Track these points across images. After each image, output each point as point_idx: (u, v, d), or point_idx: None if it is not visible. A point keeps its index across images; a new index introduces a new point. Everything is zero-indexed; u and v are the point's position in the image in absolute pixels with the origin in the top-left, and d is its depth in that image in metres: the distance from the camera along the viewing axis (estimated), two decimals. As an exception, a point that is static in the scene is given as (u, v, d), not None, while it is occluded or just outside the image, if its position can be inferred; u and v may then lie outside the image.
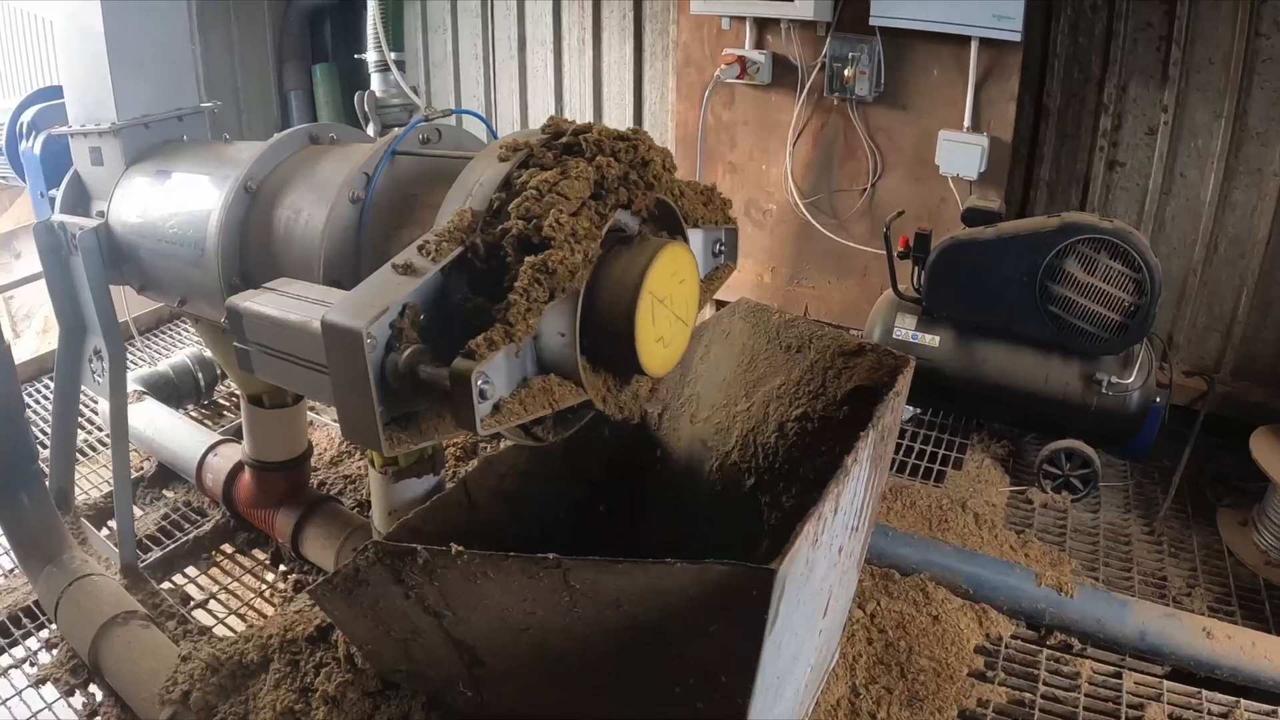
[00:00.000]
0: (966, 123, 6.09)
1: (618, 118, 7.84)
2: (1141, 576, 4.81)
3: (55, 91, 5.42)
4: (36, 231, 4.36)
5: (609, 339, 2.57)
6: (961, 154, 6.06)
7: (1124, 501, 5.50)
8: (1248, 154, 5.72)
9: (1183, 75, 5.76)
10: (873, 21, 6.11)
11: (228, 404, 6.59)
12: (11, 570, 4.84)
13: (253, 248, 3.59)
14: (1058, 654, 4.14)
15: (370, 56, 6.12)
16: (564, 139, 2.77)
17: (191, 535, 5.06)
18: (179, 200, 3.92)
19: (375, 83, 6.07)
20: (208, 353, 6.40)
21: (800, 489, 3.41)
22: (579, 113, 8.06)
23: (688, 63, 7.07)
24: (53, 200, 4.87)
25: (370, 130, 6.05)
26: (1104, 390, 5.21)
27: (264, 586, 4.85)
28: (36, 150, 4.96)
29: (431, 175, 3.33)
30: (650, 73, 7.66)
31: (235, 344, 2.87)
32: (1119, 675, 3.99)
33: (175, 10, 4.60)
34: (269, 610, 4.60)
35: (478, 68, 8.66)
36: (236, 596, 4.79)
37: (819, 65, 6.51)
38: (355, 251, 3.27)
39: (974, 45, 5.91)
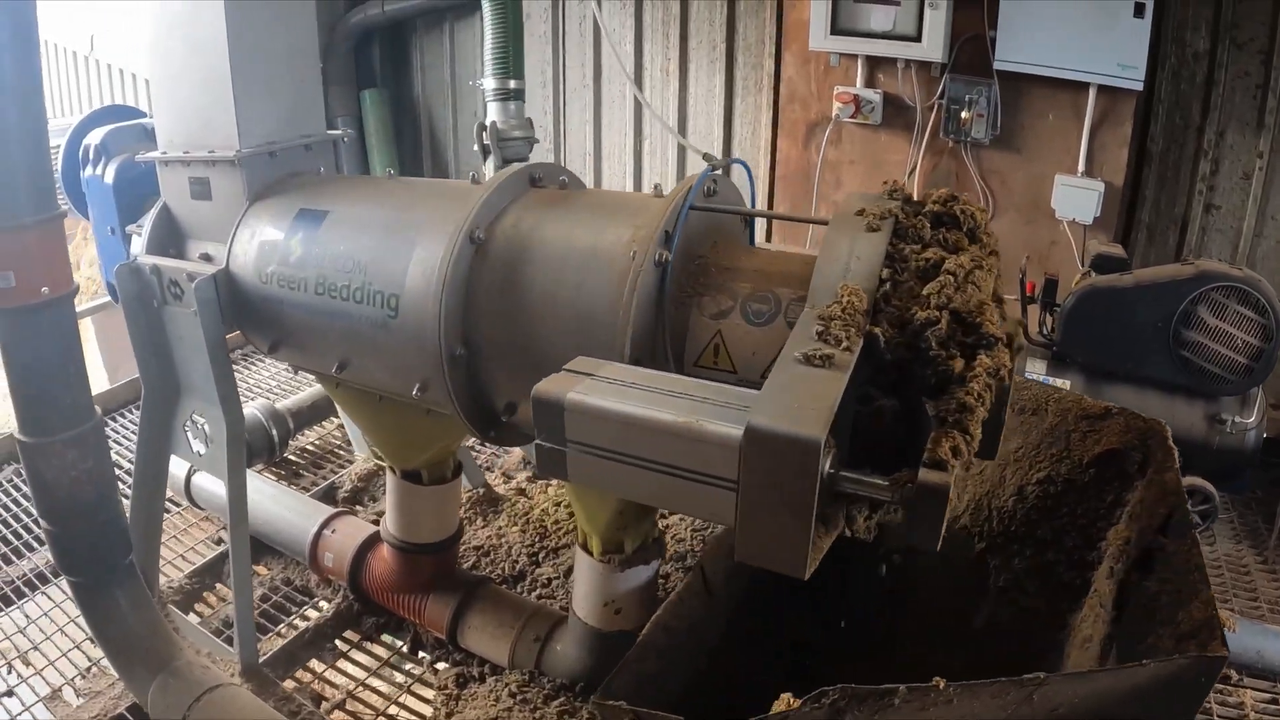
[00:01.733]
0: (1081, 167, 5.87)
1: (706, 149, 7.24)
2: (1269, 605, 4.69)
3: (124, 111, 4.58)
4: (118, 275, 3.64)
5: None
6: (1078, 198, 5.87)
7: (1232, 533, 5.37)
8: None
9: (1277, 123, 5.67)
10: (997, 65, 5.85)
11: (300, 461, 5.74)
12: (89, 669, 4.00)
13: (485, 312, 2.95)
14: (1219, 685, 4.00)
15: (488, 84, 5.39)
16: (931, 207, 2.54)
17: (312, 624, 4.27)
18: (352, 248, 3.22)
19: (494, 112, 5.36)
20: (280, 404, 5.59)
21: (1034, 550, 3.36)
22: (660, 148, 7.55)
23: (792, 99, 6.66)
24: (127, 237, 4.09)
25: (489, 166, 5.35)
26: (1227, 430, 5.07)
27: (409, 680, 4.08)
28: (108, 179, 4.11)
29: (711, 233, 2.91)
30: (742, 107, 7.16)
31: (540, 443, 2.31)
32: (1276, 702, 3.96)
33: (304, 15, 3.83)
34: (425, 710, 3.86)
35: (544, 97, 8.06)
36: (379, 694, 4.00)
37: (932, 106, 6.21)
38: (655, 324, 2.72)
39: (1092, 91, 5.73)
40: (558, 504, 4.92)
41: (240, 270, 3.50)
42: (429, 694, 3.91)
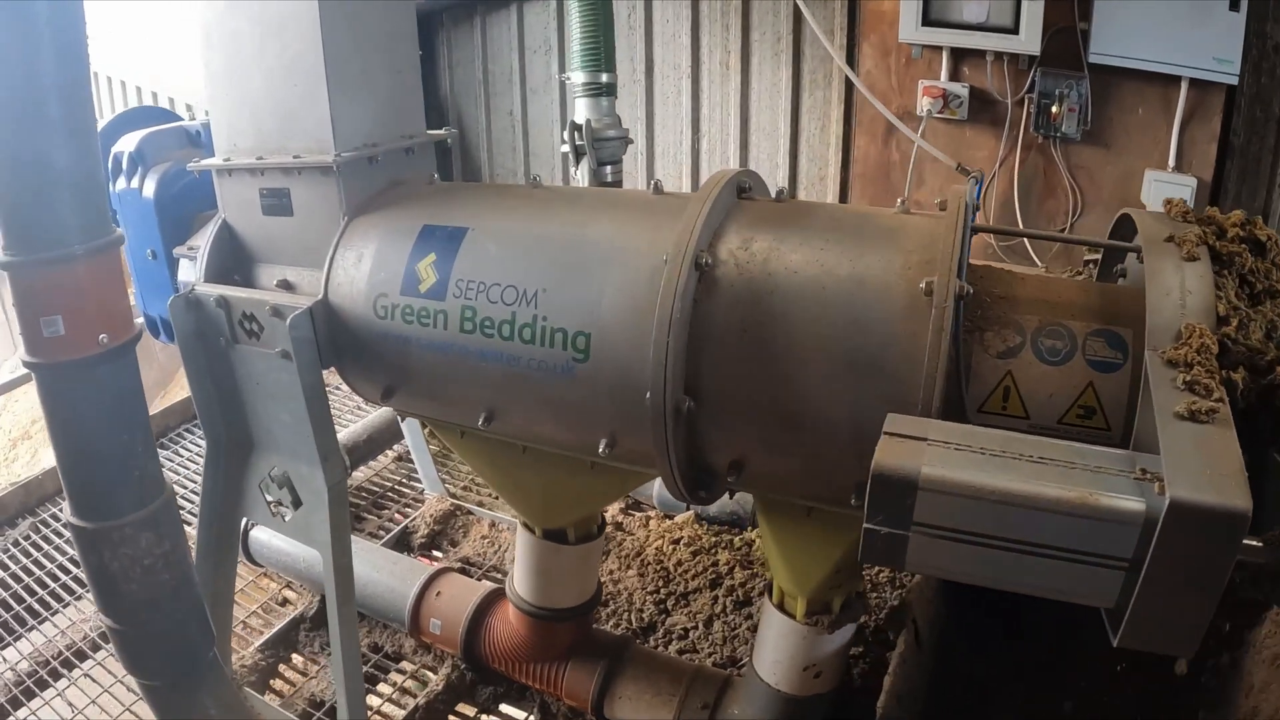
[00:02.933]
0: (1171, 163, 5.64)
1: (768, 150, 6.89)
2: None
3: (154, 114, 3.94)
4: (173, 308, 3.09)
5: None
6: (1171, 194, 5.50)
7: None
8: None
9: None
10: (1091, 58, 5.57)
11: (360, 501, 5.22)
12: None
13: (719, 356, 2.42)
14: None
15: (578, 78, 4.84)
16: (1234, 231, 2.32)
17: (421, 700, 3.78)
18: (514, 275, 2.66)
19: (585, 109, 4.80)
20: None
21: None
22: (720, 145, 7.07)
23: (871, 92, 6.27)
24: (173, 262, 3.53)
25: (583, 170, 4.79)
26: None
27: None
28: (148, 192, 3.47)
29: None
30: (809, 101, 6.73)
31: (873, 527, 1.92)
32: None
33: (403, -3, 3.28)
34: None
35: (549, 94, 7.61)
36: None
37: (1021, 100, 5.92)
38: (952, 368, 2.25)
39: (1184, 85, 5.50)
40: (674, 541, 4.51)
41: (344, 301, 2.92)
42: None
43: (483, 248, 2.75)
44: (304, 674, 4.06)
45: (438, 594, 3.90)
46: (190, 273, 3.39)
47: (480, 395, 2.79)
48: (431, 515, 4.91)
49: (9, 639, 4.30)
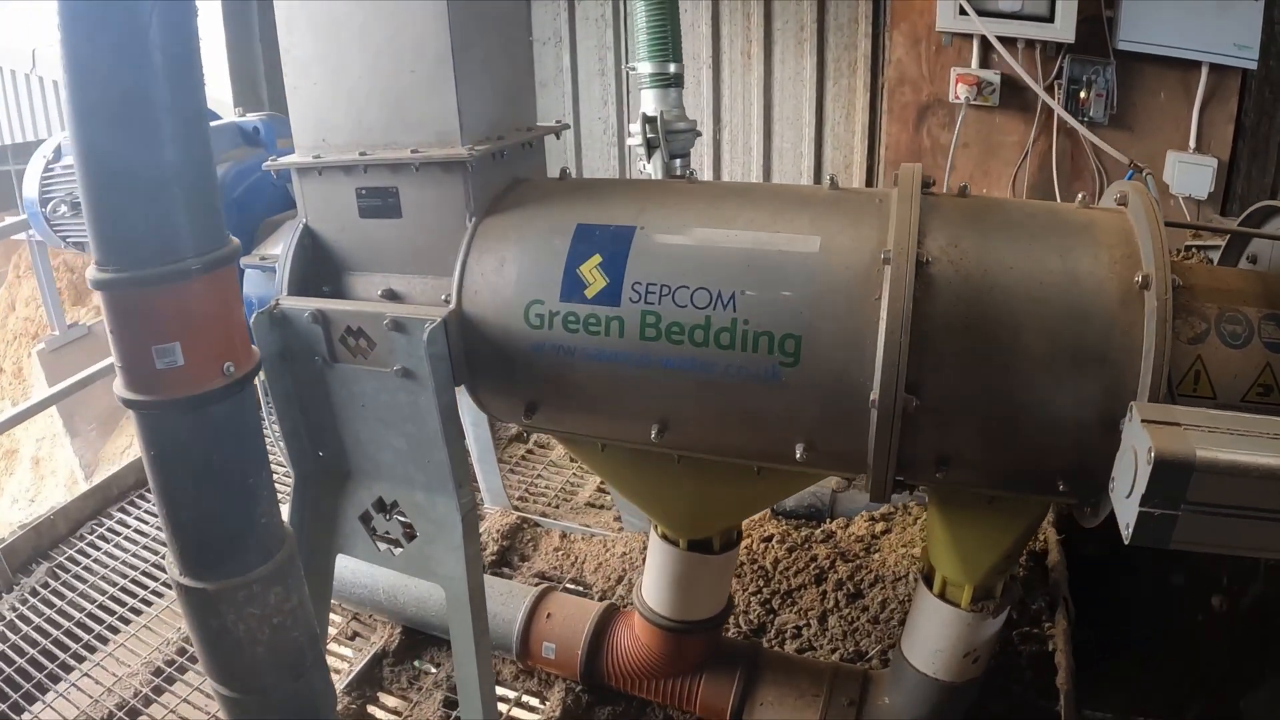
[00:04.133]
0: (1191, 144, 6.33)
1: (791, 139, 7.24)
2: None
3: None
4: (256, 326, 3.03)
5: None
6: (1193, 175, 6.36)
7: None
8: None
9: None
10: (1119, 45, 6.25)
11: None
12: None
13: (942, 354, 2.71)
14: None
15: (645, 68, 5.03)
16: None
17: None
18: (704, 276, 2.84)
19: (653, 101, 5.01)
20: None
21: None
22: (742, 135, 7.40)
23: (901, 81, 6.75)
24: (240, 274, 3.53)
25: (654, 164, 4.98)
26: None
27: None
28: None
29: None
30: (834, 90, 7.13)
31: (1147, 509, 2.29)
32: None
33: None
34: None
35: (603, 85, 7.78)
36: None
37: (1050, 87, 6.53)
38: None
39: (1204, 70, 6.22)
40: (765, 540, 4.80)
41: (484, 310, 3.02)
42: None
43: (660, 248, 2.90)
44: (396, 714, 4.18)
45: (548, 616, 4.05)
46: (262, 286, 3.42)
47: (656, 407, 2.94)
48: (498, 530, 5.10)
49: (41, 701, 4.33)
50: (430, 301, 3.12)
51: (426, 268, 3.14)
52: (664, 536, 3.58)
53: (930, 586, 3.41)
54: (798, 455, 2.84)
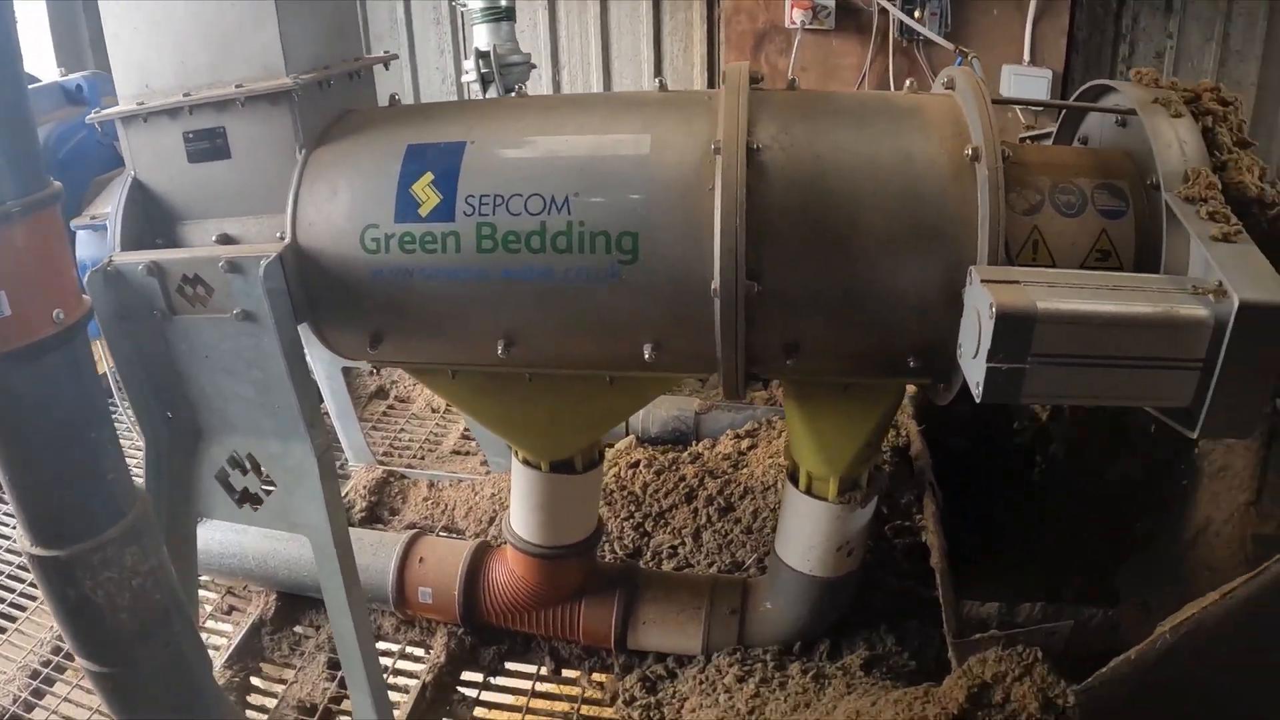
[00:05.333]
0: (1026, 57, 6.50)
1: (631, 75, 7.21)
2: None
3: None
4: (90, 286, 2.88)
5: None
6: (1028, 87, 6.52)
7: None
8: (1230, 69, 6.95)
9: (1182, 6, 6.72)
10: None
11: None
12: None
13: (781, 237, 2.74)
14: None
15: (475, 3, 4.92)
16: (1182, 93, 2.86)
17: (428, 675, 3.91)
18: (536, 182, 2.80)
19: (486, 35, 4.88)
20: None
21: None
22: (581, 74, 7.37)
23: (737, 10, 6.74)
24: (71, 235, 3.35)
25: (491, 94, 4.86)
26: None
27: (573, 708, 3.86)
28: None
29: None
30: (671, 24, 7.13)
31: (995, 365, 2.36)
32: None
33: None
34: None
35: (439, 34, 7.66)
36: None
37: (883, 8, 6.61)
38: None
39: None
40: (632, 465, 4.81)
41: (319, 241, 2.93)
42: (609, 713, 3.74)
43: (491, 159, 2.85)
44: (281, 681, 4.08)
45: (421, 560, 3.97)
46: (94, 247, 3.32)
47: (500, 320, 2.90)
48: (365, 486, 4.99)
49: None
50: (267, 240, 3.01)
51: (261, 207, 3.04)
52: (525, 461, 3.54)
53: (796, 484, 3.45)
54: (647, 356, 2.85)
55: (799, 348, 2.86)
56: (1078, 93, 3.24)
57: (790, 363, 2.87)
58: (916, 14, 6.49)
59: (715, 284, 2.66)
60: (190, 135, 3.03)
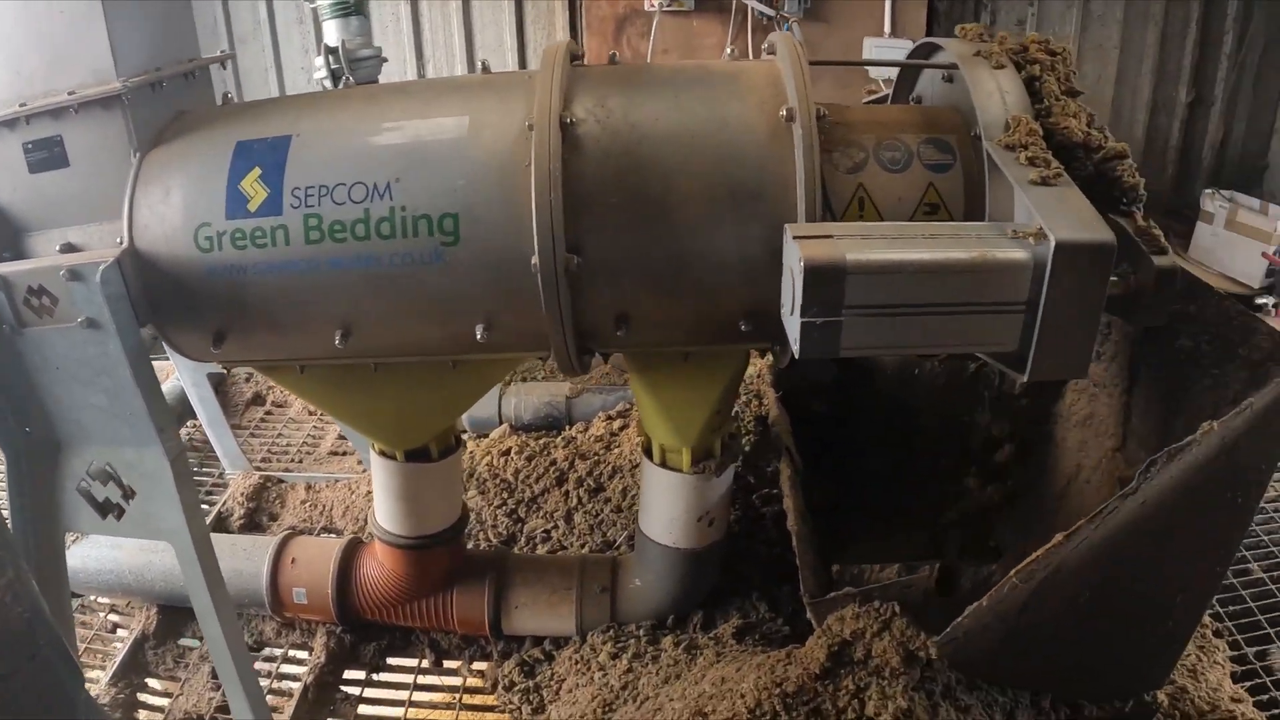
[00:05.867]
0: (886, 30, 6.57)
1: (496, 65, 6.92)
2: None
3: None
4: None
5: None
6: (890, 57, 6.39)
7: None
8: (1092, 34, 7.19)
9: None
10: None
11: None
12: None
13: (598, 208, 2.74)
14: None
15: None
16: (1010, 46, 2.93)
17: (310, 677, 3.86)
18: (359, 171, 2.79)
19: (335, 31, 4.78)
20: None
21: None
22: (446, 67, 7.34)
23: None
24: None
25: None
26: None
27: (455, 699, 3.81)
28: None
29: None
30: (533, 12, 7.09)
31: (809, 320, 2.37)
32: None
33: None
34: (504, 720, 3.60)
35: (303, 34, 7.58)
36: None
37: None
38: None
39: None
40: (503, 454, 4.79)
41: (156, 244, 2.89)
42: (491, 701, 3.71)
43: (315, 150, 2.83)
44: (167, 695, 4.00)
45: (293, 561, 3.90)
46: None
47: (335, 310, 2.88)
48: (242, 493, 4.89)
49: None
50: (108, 246, 2.97)
51: (101, 214, 3.00)
52: (381, 453, 3.51)
53: (651, 457, 3.45)
54: (479, 336, 2.83)
55: (629, 318, 2.85)
56: (909, 52, 3.27)
57: (621, 334, 2.86)
58: (778, -11, 6.49)
59: (535, 259, 2.65)
60: (29, 145, 3.00)
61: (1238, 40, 7.35)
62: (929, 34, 6.72)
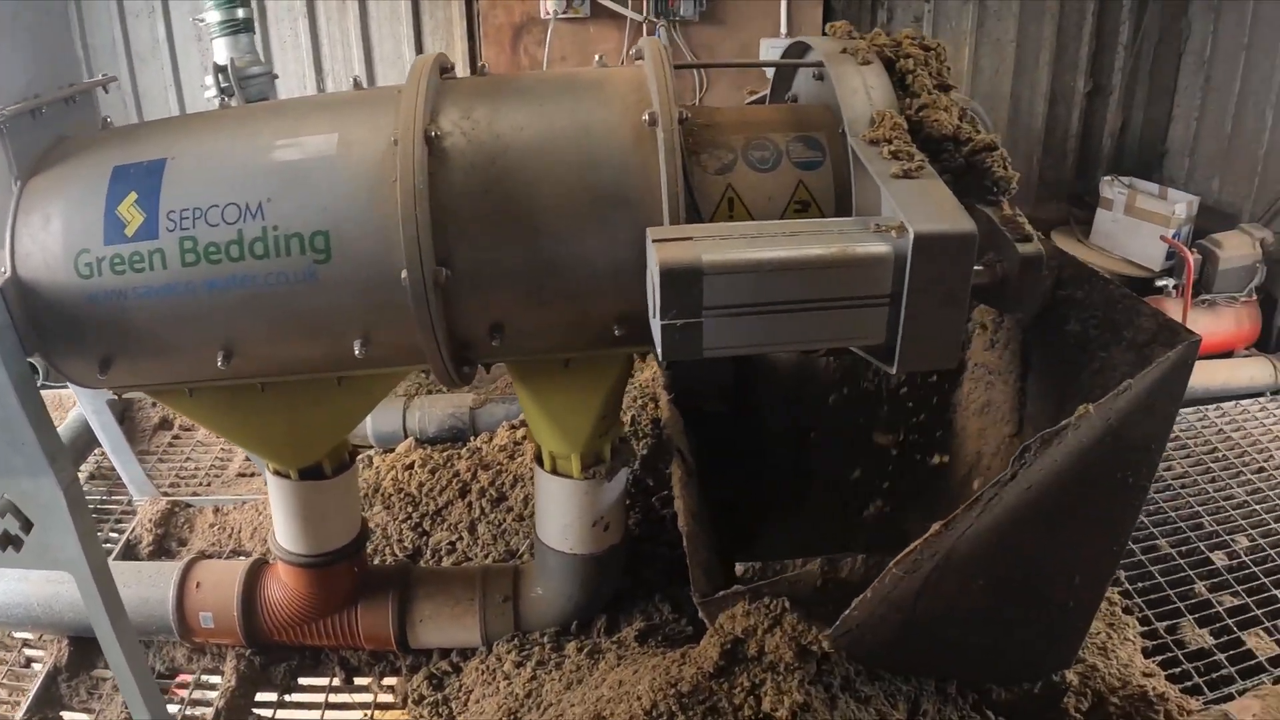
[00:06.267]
0: (783, 30, 6.55)
1: (395, 77, 7.01)
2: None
3: None
4: None
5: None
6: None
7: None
8: (989, 29, 7.25)
9: None
10: None
11: None
12: None
13: (465, 220, 2.73)
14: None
15: (213, 16, 4.76)
16: (883, 43, 2.97)
17: (221, 702, 3.79)
18: (232, 191, 2.76)
19: (225, 49, 4.71)
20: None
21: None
22: (345, 80, 7.17)
23: (494, 4, 6.66)
24: None
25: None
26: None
27: (366, 716, 3.77)
28: None
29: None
30: (431, 23, 7.03)
31: (669, 323, 2.37)
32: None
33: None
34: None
35: (201, 52, 7.28)
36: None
37: None
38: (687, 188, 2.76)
39: None
40: (407, 468, 4.77)
41: (38, 272, 2.83)
42: (403, 716, 3.69)
43: (189, 173, 2.79)
44: None
45: (197, 585, 3.84)
46: None
47: (215, 332, 2.84)
48: (150, 520, 4.82)
49: None
50: (-7, 274, 2.87)
51: (-19, 242, 2.88)
52: (277, 472, 3.47)
53: (543, 464, 3.44)
54: (357, 352, 2.81)
55: (503, 328, 2.84)
56: (783, 51, 3.28)
57: (496, 344, 2.86)
58: (672, -6, 6.50)
59: (404, 273, 2.63)
60: (-108, 177, 2.85)
61: (1134, 30, 7.45)
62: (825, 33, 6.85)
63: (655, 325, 2.37)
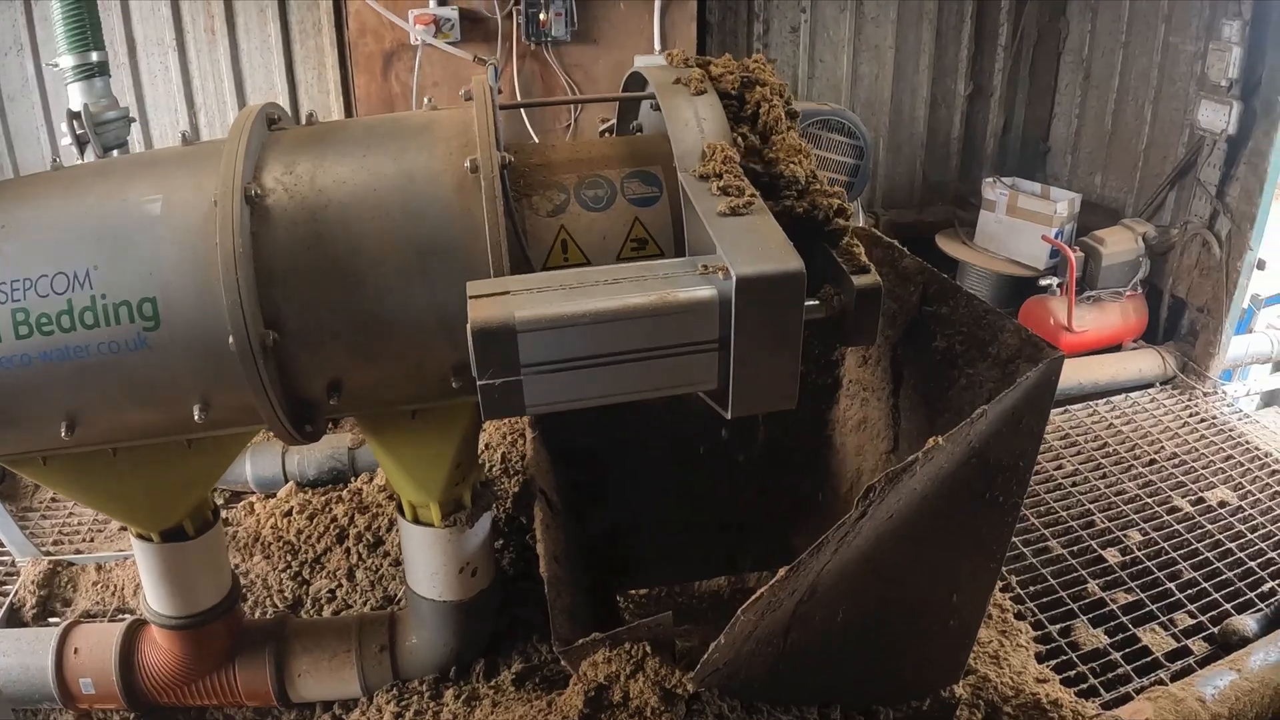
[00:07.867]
0: (657, 46, 6.48)
1: None
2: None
3: None
4: None
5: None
6: None
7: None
8: (867, 35, 7.27)
9: None
10: None
11: None
12: None
13: (288, 279, 2.59)
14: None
15: (67, 61, 4.54)
16: (740, 71, 2.89)
17: None
18: (57, 261, 2.61)
19: (80, 94, 4.50)
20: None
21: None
22: (218, 114, 6.99)
23: (363, 31, 6.50)
24: None
25: (90, 155, 4.51)
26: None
27: None
28: None
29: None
30: (302, 52, 6.84)
31: (487, 382, 2.26)
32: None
33: None
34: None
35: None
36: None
37: (510, 13, 6.51)
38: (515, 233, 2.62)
39: None
40: (286, 514, 4.61)
41: None
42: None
43: (19, 241, 2.65)
44: None
45: (75, 651, 3.68)
46: None
47: (55, 403, 2.70)
48: (33, 581, 4.63)
49: None
50: None
51: None
52: (140, 536, 3.33)
53: (404, 514, 3.33)
54: (197, 417, 2.66)
55: (340, 385, 2.72)
56: (623, 81, 3.18)
57: (334, 402, 2.72)
58: (542, 16, 6.42)
59: (230, 338, 2.50)
60: None
61: (1012, 31, 7.51)
62: (701, 49, 6.77)
63: (477, 384, 2.25)
